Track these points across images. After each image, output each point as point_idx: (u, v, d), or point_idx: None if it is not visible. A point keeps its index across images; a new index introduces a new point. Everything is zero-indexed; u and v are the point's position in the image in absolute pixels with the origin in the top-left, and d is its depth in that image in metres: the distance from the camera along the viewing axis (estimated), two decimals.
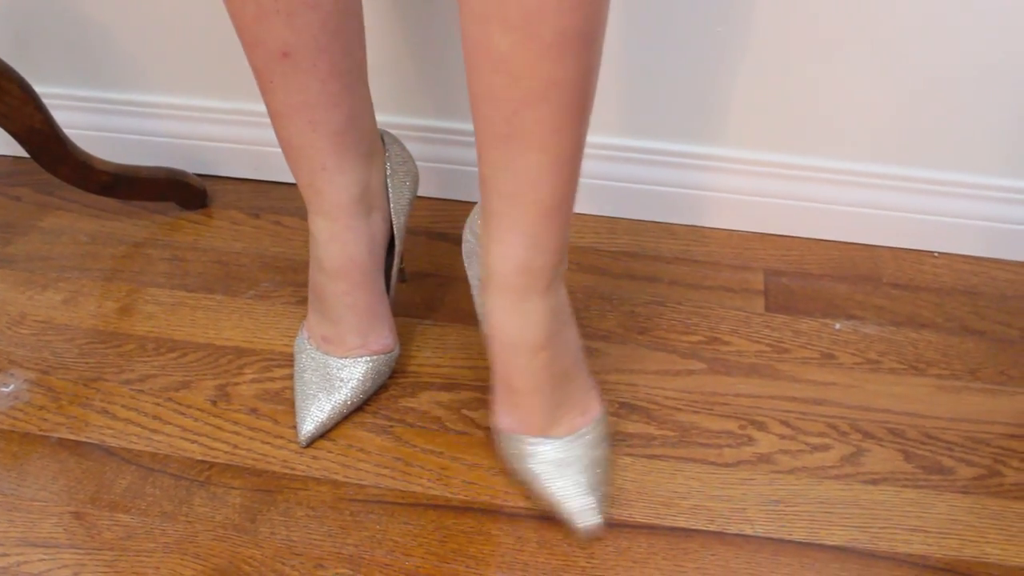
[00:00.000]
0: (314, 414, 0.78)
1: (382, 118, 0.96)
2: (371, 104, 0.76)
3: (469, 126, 1.01)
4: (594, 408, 0.75)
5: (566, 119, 0.59)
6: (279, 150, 1.05)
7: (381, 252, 0.80)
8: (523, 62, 0.56)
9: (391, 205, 0.80)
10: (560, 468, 0.72)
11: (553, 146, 0.60)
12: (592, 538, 0.72)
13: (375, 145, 0.78)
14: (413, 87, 1.01)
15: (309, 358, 0.80)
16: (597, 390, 0.77)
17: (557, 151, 0.61)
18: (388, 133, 0.82)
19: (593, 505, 0.71)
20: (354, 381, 0.79)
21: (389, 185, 0.79)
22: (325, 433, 0.79)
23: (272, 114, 0.71)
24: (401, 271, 0.93)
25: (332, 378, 0.79)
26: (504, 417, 0.74)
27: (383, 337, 0.80)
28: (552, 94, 0.58)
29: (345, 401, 0.79)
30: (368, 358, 0.79)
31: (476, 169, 0.66)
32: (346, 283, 0.77)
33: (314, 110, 0.69)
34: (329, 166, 0.73)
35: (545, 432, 0.73)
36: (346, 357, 0.79)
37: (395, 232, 0.81)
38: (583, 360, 0.75)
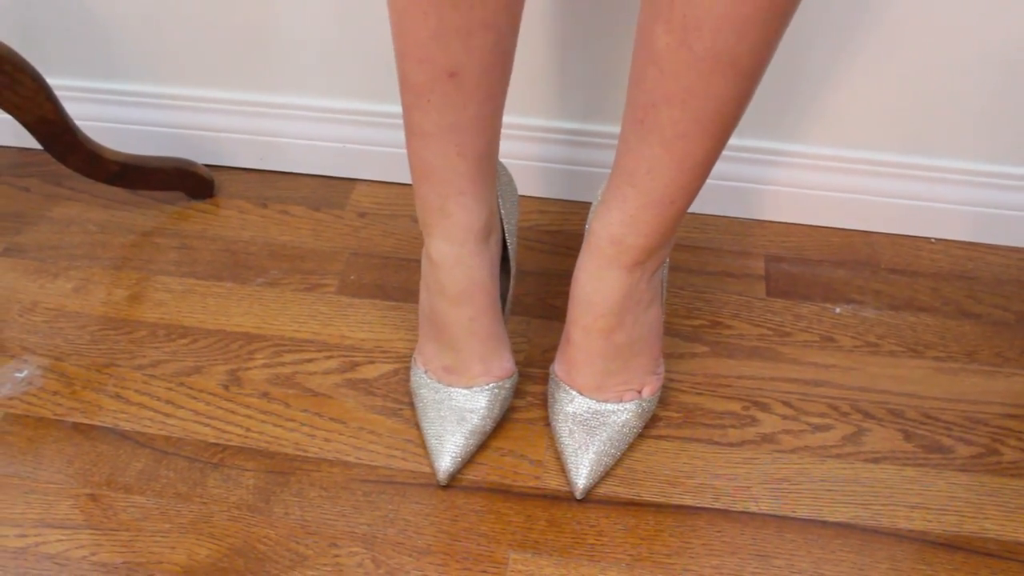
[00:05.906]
0: (450, 449, 0.75)
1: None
2: None
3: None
4: (647, 392, 0.77)
5: (695, 130, 0.63)
6: (285, 140, 1.08)
7: (499, 274, 0.78)
8: (672, 64, 0.59)
9: (504, 225, 0.78)
10: (580, 426, 0.75)
11: (676, 148, 0.64)
12: (584, 499, 0.75)
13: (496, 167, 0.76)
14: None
15: (432, 392, 0.78)
16: (660, 378, 0.79)
17: (679, 154, 0.64)
18: None
19: (586, 473, 0.74)
20: (483, 410, 0.77)
21: (500, 205, 0.78)
22: (463, 467, 0.77)
23: (416, 134, 0.68)
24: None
25: (461, 410, 0.76)
26: (558, 364, 0.79)
27: (504, 361, 0.78)
28: (689, 102, 0.61)
29: (478, 430, 0.76)
30: (494, 384, 0.77)
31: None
32: (471, 308, 0.75)
33: (464, 133, 0.67)
34: (467, 191, 0.71)
35: (587, 392, 0.76)
36: (472, 387, 0.77)
37: (510, 252, 0.79)
38: (656, 344, 0.77)
